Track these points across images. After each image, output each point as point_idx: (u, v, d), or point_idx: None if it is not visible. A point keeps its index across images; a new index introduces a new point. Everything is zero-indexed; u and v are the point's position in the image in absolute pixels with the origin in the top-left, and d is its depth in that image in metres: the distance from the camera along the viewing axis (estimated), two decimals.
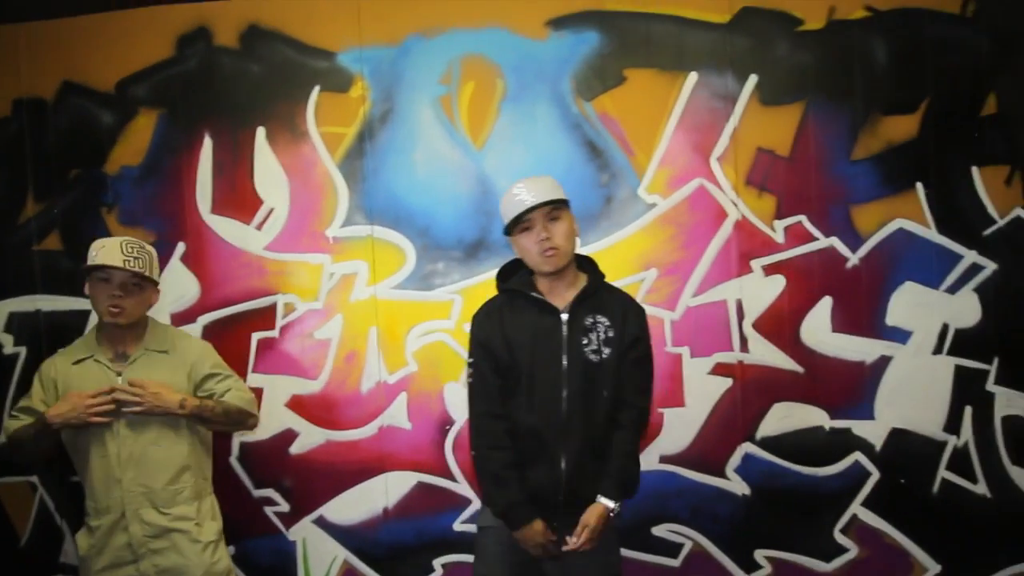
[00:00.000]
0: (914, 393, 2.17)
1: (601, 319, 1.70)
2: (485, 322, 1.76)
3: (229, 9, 2.42)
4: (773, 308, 2.21)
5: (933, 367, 2.17)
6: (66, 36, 2.49)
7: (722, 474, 2.23)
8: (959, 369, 2.17)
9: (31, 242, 2.48)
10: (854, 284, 2.19)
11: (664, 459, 2.23)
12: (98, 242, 1.87)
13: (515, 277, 1.79)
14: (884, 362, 2.18)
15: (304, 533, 2.35)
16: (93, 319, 2.47)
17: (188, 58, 2.44)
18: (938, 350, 2.18)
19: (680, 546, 2.25)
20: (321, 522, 2.34)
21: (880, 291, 2.18)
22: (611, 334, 1.69)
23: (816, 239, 2.20)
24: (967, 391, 2.18)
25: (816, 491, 2.19)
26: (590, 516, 1.63)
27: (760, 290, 2.21)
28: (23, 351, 2.47)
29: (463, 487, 2.29)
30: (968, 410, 2.17)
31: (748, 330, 2.22)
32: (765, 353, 2.21)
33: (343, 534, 2.35)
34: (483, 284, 2.30)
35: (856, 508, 2.19)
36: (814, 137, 2.22)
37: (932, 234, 2.17)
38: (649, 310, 2.20)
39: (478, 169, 2.32)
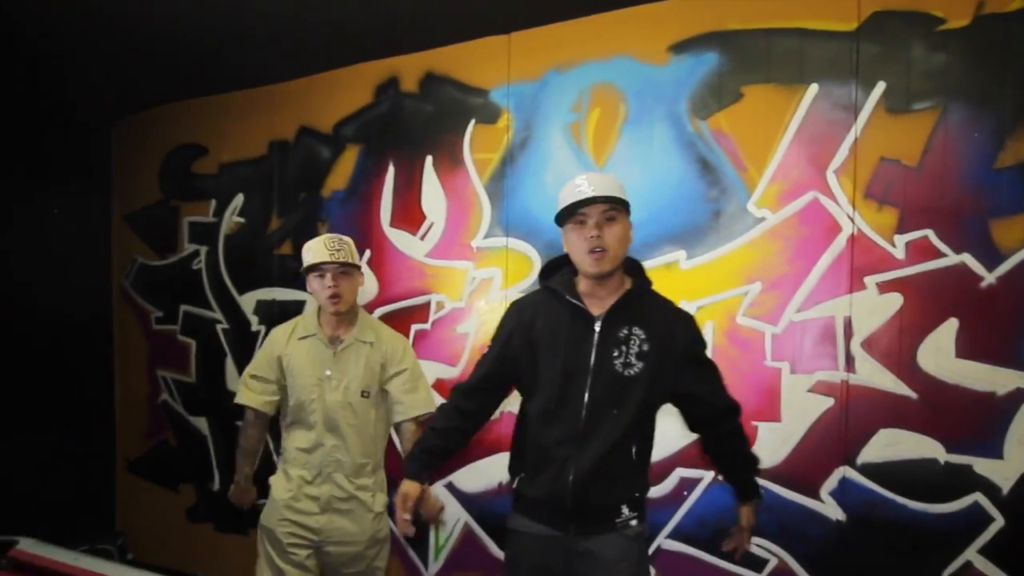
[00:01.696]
0: None
1: (637, 331, 1.66)
2: (516, 314, 1.77)
3: (412, 61, 3.13)
4: (887, 328, 2.16)
5: None
6: (303, 91, 3.43)
7: (816, 495, 2.24)
8: None
9: (273, 248, 3.50)
10: (988, 305, 2.04)
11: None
12: (307, 245, 2.25)
13: (557, 275, 1.76)
14: (1021, 395, 2.00)
15: (437, 495, 2.95)
16: (311, 307, 3.44)
17: (382, 103, 3.22)
18: None
19: (765, 561, 2.30)
20: (450, 487, 2.89)
21: (1021, 315, 2.03)
22: (646, 348, 1.65)
23: (944, 255, 2.10)
24: None
25: (923, 528, 2.09)
26: (743, 518, 1.90)
27: (873, 308, 2.18)
28: (263, 329, 3.52)
29: None
30: None
31: (856, 349, 2.20)
32: (874, 375, 2.17)
33: (467, 500, 2.88)
34: None
35: (971, 555, 2.03)
36: (949, 144, 2.14)
37: None
38: (750, 323, 2.39)
39: None
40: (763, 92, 2.42)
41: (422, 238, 3.06)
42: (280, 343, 2.30)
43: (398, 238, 3.12)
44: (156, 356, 3.86)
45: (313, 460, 2.21)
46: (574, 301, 1.68)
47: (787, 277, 2.34)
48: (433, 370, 2.96)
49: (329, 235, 2.28)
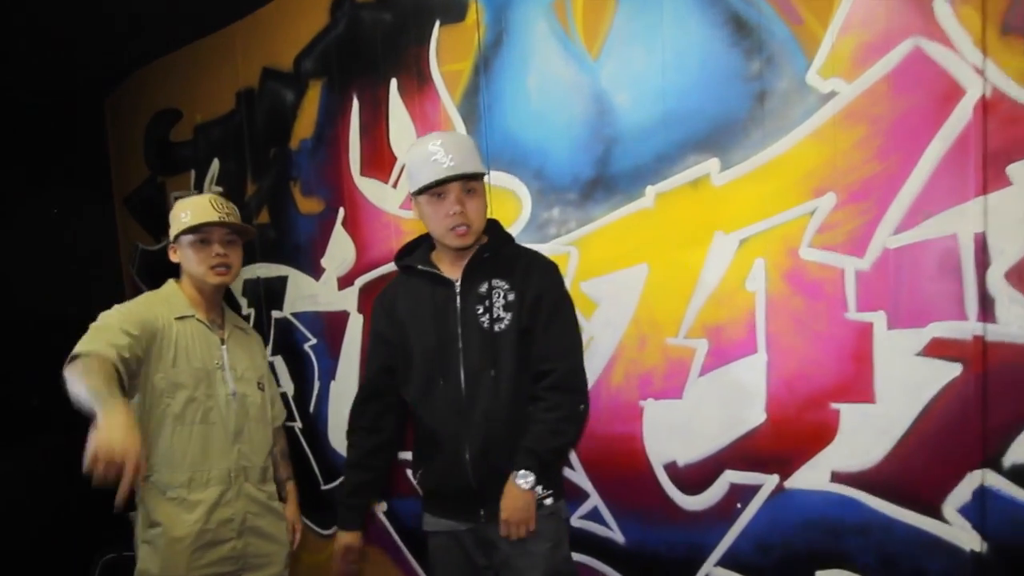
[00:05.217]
0: None
1: (499, 283, 1.60)
2: (376, 306, 1.74)
3: None
4: None
5: None
6: (263, 25, 2.91)
7: (936, 513, 1.48)
8: None
9: (251, 218, 3.06)
10: None
11: (839, 477, 1.59)
12: (182, 203, 1.90)
13: (417, 251, 1.72)
14: None
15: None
16: (293, 283, 2.98)
17: (338, 21, 2.62)
18: None
19: None
20: None
21: None
22: (511, 298, 1.59)
23: None
24: None
25: None
26: (504, 504, 1.56)
27: (1023, 216, 1.38)
28: (252, 312, 3.13)
29: (579, 476, 2.04)
30: None
31: (996, 285, 1.38)
32: None
33: None
34: (600, 232, 1.95)
35: None
36: None
37: None
38: (820, 257, 1.62)
39: (593, 84, 1.94)
40: None
41: (394, 185, 2.48)
42: (159, 315, 1.82)
43: (370, 189, 2.57)
44: None
45: (218, 473, 1.85)
46: (428, 269, 1.66)
47: (877, 181, 1.54)
48: None
49: (215, 196, 1.93)
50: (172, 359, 1.81)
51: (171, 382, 1.80)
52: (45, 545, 3.40)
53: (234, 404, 1.89)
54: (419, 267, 1.67)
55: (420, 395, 1.64)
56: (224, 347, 1.92)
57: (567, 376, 1.60)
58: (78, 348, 1.61)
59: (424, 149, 1.58)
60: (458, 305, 1.61)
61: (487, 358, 1.58)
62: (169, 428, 1.81)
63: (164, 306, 1.86)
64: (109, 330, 1.67)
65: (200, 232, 1.84)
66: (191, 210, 1.85)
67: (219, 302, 1.99)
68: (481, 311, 1.59)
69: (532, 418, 1.59)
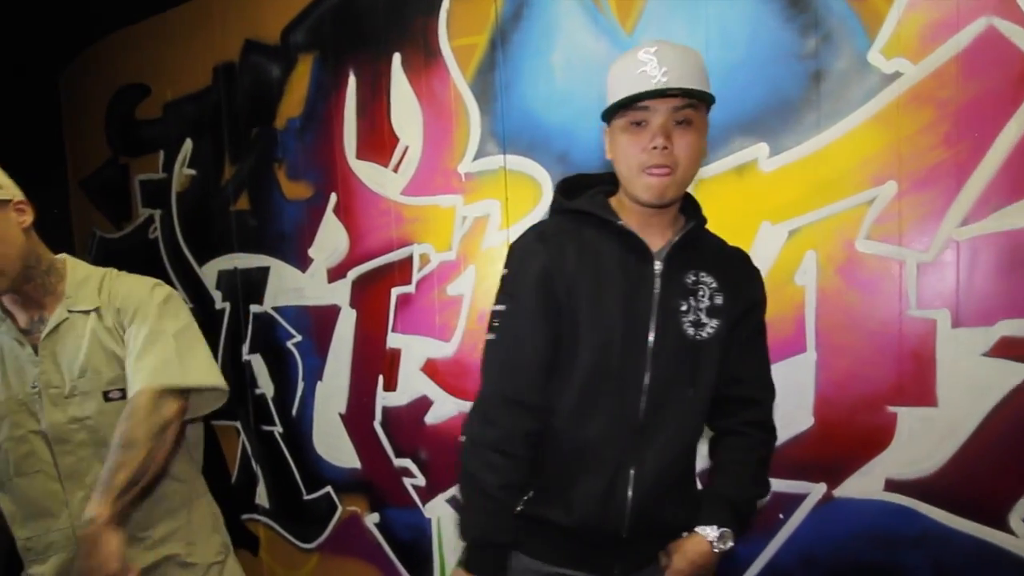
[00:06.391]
0: None
1: (706, 278, 1.22)
2: (540, 248, 1.21)
3: None
4: None
5: None
6: None
7: (1001, 523, 1.43)
8: None
9: (229, 203, 2.90)
10: None
11: (893, 485, 1.53)
12: None
13: (583, 196, 1.27)
14: None
15: (439, 512, 2.28)
16: (276, 274, 2.81)
17: None
18: None
19: None
20: (456, 503, 2.26)
21: None
22: (718, 300, 1.22)
23: None
24: None
25: None
26: (682, 558, 1.22)
27: None
28: (227, 306, 2.95)
29: None
30: None
31: None
32: None
33: None
34: None
35: None
36: None
37: None
38: (879, 250, 1.56)
39: None
40: None
41: (395, 169, 2.35)
42: None
43: (367, 173, 2.43)
44: None
45: (59, 535, 1.36)
46: (627, 228, 1.20)
47: (944, 168, 1.49)
48: (421, 348, 2.29)
49: None
50: None
51: None
52: None
53: (62, 439, 1.36)
54: (603, 216, 1.21)
55: (579, 394, 1.21)
56: (39, 357, 1.35)
57: (772, 412, 1.29)
58: None
59: (632, 58, 1.15)
60: (656, 290, 1.20)
61: (685, 371, 1.21)
62: None
63: None
64: None
65: None
66: None
67: (40, 290, 1.38)
68: (684, 308, 1.21)
69: (725, 457, 1.27)
